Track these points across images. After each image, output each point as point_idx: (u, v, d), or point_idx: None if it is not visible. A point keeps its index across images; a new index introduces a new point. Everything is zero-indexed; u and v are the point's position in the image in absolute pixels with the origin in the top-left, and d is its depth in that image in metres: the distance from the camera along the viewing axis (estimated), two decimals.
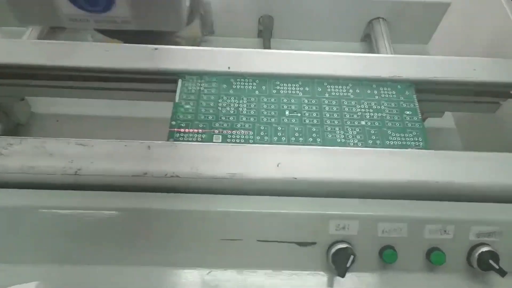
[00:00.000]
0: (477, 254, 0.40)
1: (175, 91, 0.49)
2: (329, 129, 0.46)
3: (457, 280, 0.40)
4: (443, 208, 0.41)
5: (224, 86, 0.49)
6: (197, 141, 0.45)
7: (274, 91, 0.49)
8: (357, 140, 0.45)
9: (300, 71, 0.50)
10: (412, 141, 0.46)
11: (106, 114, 0.65)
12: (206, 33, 0.74)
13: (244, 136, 0.45)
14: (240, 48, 0.53)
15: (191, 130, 0.46)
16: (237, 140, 0.45)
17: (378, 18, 0.73)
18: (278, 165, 0.42)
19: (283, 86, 0.50)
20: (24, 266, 0.39)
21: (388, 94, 0.49)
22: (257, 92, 0.49)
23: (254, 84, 0.50)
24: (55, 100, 0.61)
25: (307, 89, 0.50)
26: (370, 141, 0.45)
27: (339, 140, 0.45)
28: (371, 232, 0.40)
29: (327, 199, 0.41)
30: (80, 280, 0.39)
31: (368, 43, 0.76)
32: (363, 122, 0.47)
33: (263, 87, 0.50)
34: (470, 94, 0.53)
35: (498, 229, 0.40)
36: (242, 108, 0.48)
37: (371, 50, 0.73)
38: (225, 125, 0.46)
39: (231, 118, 0.47)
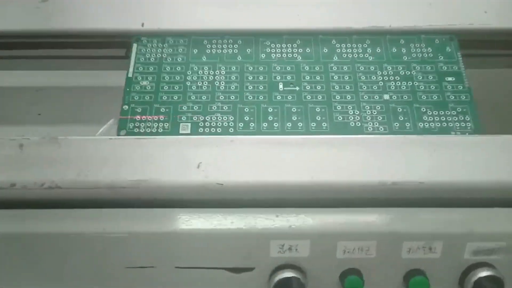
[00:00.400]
0: (473, 279, 0.29)
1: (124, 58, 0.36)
2: (339, 108, 0.33)
3: None
4: (426, 218, 0.29)
5: (195, 51, 0.36)
6: (157, 132, 0.33)
7: (263, 55, 0.36)
8: (378, 123, 0.33)
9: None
10: (456, 120, 0.33)
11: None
12: None
13: (222, 123, 0.33)
14: None
15: (150, 117, 0.33)
16: (213, 130, 0.33)
17: None
18: (198, 166, 0.30)
19: (275, 47, 0.36)
20: None
21: (422, 53, 0.36)
22: (239, 57, 0.36)
23: (236, 46, 0.36)
24: None
25: (308, 50, 0.36)
26: (397, 124, 0.33)
27: (353, 124, 0.33)
28: (328, 253, 0.29)
29: (268, 210, 0.30)
30: None
31: None
32: (386, 96, 0.34)
33: (248, 50, 0.36)
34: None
35: (505, 244, 0.29)
36: (220, 82, 0.35)
37: None
38: (195, 107, 0.34)
39: (203, 98, 0.34)
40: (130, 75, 0.35)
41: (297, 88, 0.34)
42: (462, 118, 0.33)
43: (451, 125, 0.33)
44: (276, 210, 0.29)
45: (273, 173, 0.30)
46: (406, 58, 0.36)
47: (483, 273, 0.29)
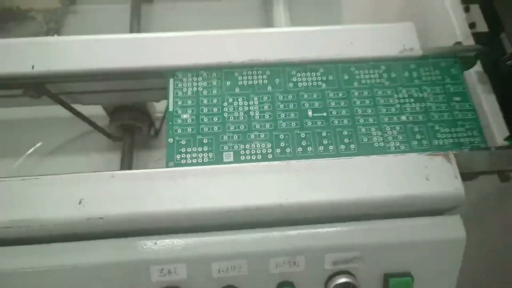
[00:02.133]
0: (332, 286, 0.34)
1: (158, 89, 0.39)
2: (363, 130, 0.37)
3: None
4: (290, 236, 0.34)
5: (228, 83, 0.40)
6: (203, 162, 0.36)
7: (291, 85, 0.40)
8: (399, 143, 0.37)
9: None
10: (466, 136, 0.37)
11: None
12: (67, 3, 0.66)
13: (261, 150, 0.37)
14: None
15: (195, 148, 0.37)
16: (253, 157, 0.36)
17: None
18: (80, 202, 0.33)
19: (300, 76, 0.40)
20: None
21: (431, 76, 0.40)
22: (269, 87, 0.39)
23: (265, 76, 0.40)
24: None
25: (330, 78, 0.40)
26: (415, 142, 0.37)
27: (377, 145, 0.37)
28: (204, 274, 0.33)
29: (143, 239, 0.33)
30: None
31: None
32: (403, 118, 0.38)
33: (276, 80, 0.40)
34: None
35: (359, 254, 0.34)
36: (254, 112, 0.38)
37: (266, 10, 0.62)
38: (235, 137, 0.37)
39: (241, 127, 0.37)
40: (170, 109, 0.38)
41: (325, 114, 0.38)
42: (471, 134, 0.37)
43: (462, 140, 0.37)
44: (153, 238, 0.33)
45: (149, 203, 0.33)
46: (417, 81, 0.40)
47: (341, 280, 0.33)
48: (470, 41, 0.43)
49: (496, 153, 0.36)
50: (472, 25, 0.45)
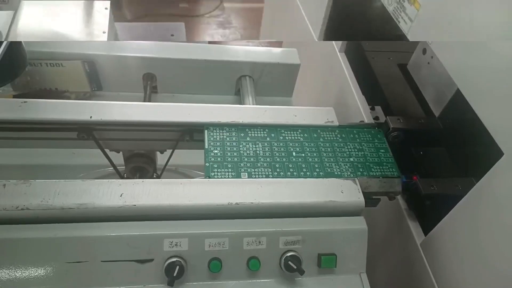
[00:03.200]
0: (283, 258, 0.50)
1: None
2: (327, 164, 0.60)
3: (272, 283, 0.51)
4: (257, 224, 0.51)
5: (242, 134, 0.62)
6: (228, 178, 0.56)
7: (281, 137, 0.63)
8: (349, 173, 0.60)
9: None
10: (388, 171, 0.61)
11: None
12: (94, 88, 0.84)
13: (265, 172, 0.58)
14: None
15: (222, 170, 0.57)
16: (260, 176, 0.57)
17: (245, 75, 0.86)
18: (121, 195, 0.50)
19: (289, 133, 0.64)
20: None
21: (366, 137, 0.65)
22: (268, 138, 0.63)
23: (265, 132, 0.63)
24: None
25: (305, 135, 0.64)
26: (359, 172, 0.60)
27: (336, 173, 0.60)
28: (199, 247, 0.49)
29: (162, 222, 0.50)
30: None
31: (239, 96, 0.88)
32: (351, 159, 0.62)
33: (272, 135, 0.63)
34: None
35: (301, 238, 0.51)
36: (259, 151, 0.61)
37: (241, 102, 0.84)
38: (248, 164, 0.59)
39: (252, 159, 0.59)
40: (206, 146, 0.60)
41: (303, 155, 0.61)
42: (391, 170, 0.61)
43: (386, 173, 0.61)
44: (167, 222, 0.50)
45: (166, 199, 0.51)
46: (358, 140, 0.65)
47: (289, 254, 0.50)
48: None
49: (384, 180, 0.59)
50: (376, 118, 0.70)
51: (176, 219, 0.51)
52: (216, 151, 0.59)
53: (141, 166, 0.71)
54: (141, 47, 0.83)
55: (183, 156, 0.70)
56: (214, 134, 0.62)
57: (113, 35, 0.86)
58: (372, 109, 0.72)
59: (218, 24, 2.19)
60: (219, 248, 0.50)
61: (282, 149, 0.61)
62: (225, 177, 0.56)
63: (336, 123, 0.66)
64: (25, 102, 0.61)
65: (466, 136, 0.63)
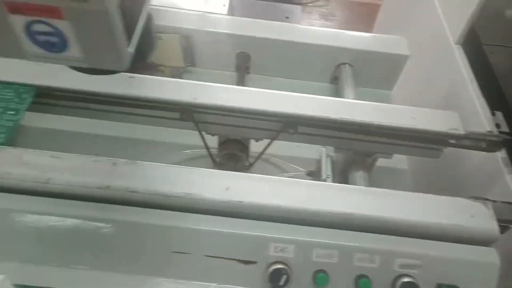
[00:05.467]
0: (397, 282, 0.45)
1: None
2: None
3: None
4: (371, 240, 0.46)
5: None
6: None
7: None
8: None
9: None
10: None
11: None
12: (188, 64, 0.82)
13: None
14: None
15: None
16: None
17: (345, 63, 0.79)
18: (227, 189, 0.48)
19: None
20: None
21: None
22: None
23: None
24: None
25: None
26: None
27: None
28: (306, 256, 0.45)
29: (269, 223, 0.46)
30: (39, 277, 0.44)
31: (336, 85, 0.82)
32: None
33: None
34: (414, 140, 0.59)
35: (420, 263, 0.45)
36: None
37: (339, 92, 0.79)
38: None
39: None
40: None
41: None
42: None
43: None
44: (275, 224, 0.46)
45: (276, 199, 0.48)
46: None
47: (406, 279, 0.44)
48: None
49: None
50: (497, 126, 0.61)
51: (281, 222, 0.47)
52: None
53: (235, 153, 0.67)
54: (238, 24, 0.79)
55: (275, 146, 0.64)
56: None
57: (231, 9, 0.83)
58: (492, 114, 0.64)
59: (320, 14, 2.08)
60: (327, 260, 0.46)
61: None
62: None
63: (462, 131, 0.58)
64: (132, 77, 0.59)
65: None
